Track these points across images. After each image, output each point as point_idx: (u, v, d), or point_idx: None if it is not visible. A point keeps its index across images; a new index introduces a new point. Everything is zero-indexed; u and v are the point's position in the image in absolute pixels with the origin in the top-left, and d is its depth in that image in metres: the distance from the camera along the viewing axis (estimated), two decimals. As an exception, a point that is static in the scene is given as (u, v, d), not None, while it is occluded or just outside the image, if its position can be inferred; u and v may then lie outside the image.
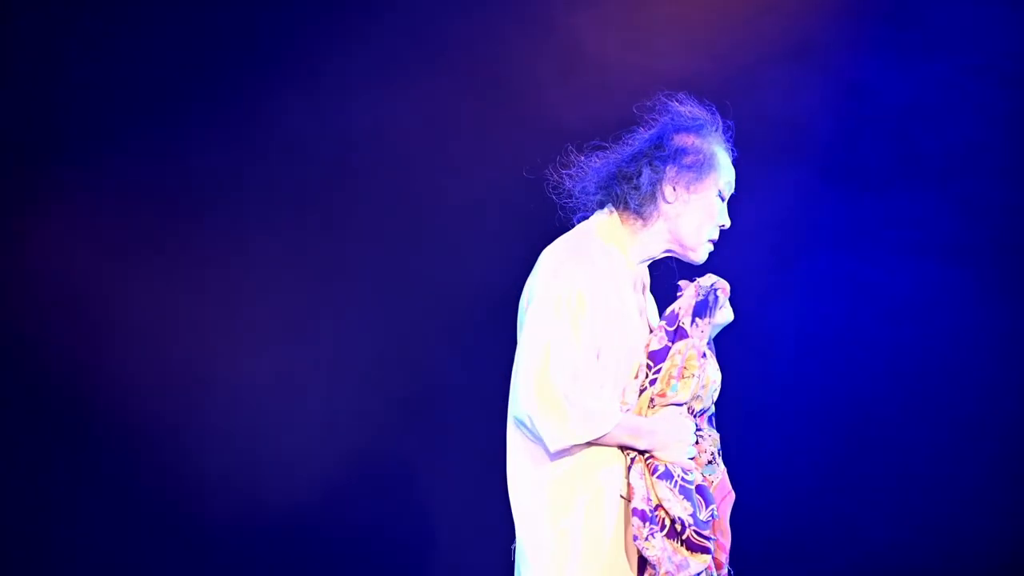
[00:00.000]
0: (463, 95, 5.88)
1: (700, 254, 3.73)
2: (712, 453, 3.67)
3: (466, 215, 5.87)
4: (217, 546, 5.76)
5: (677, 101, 3.76)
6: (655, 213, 3.68)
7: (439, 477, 5.86)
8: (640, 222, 3.69)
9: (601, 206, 3.73)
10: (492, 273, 5.68)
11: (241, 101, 5.80)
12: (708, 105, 3.77)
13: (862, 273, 5.94)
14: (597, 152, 3.77)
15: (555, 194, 3.77)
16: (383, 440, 5.86)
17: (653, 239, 3.70)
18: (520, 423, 3.55)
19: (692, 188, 3.68)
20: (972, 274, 5.90)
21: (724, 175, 3.72)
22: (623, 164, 3.69)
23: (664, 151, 3.67)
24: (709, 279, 3.70)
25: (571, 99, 5.80)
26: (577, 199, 3.77)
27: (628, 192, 3.67)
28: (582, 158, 3.77)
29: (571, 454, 3.55)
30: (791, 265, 5.86)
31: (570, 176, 3.76)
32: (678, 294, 3.70)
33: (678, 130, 3.71)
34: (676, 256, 3.76)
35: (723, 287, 3.69)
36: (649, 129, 3.75)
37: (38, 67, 5.74)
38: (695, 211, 3.69)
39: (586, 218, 3.75)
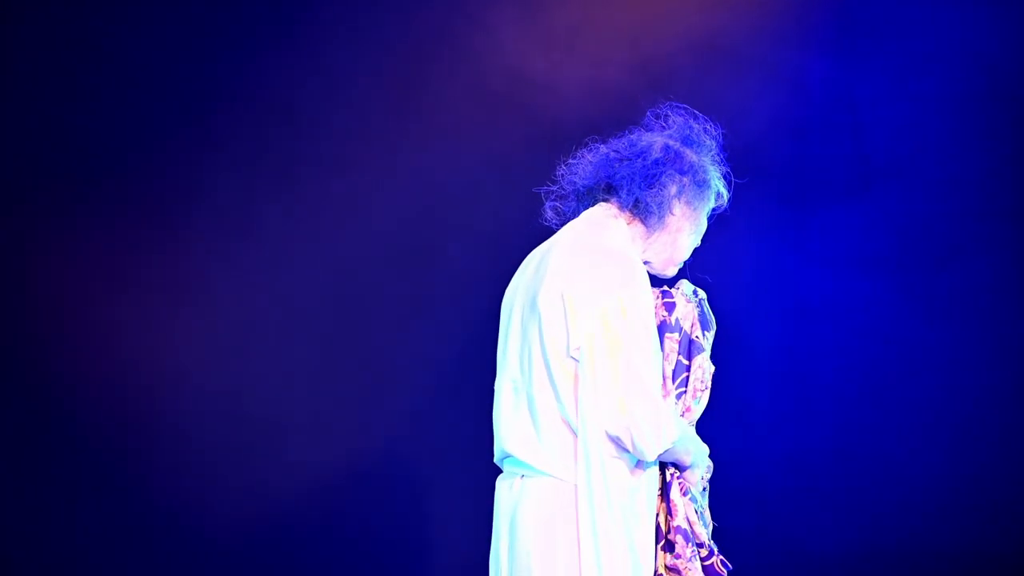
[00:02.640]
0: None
1: (675, 270, 3.71)
2: (707, 481, 3.62)
3: (459, 214, 5.87)
4: (216, 546, 5.77)
5: (691, 115, 3.71)
6: (665, 223, 3.63)
7: (437, 478, 5.86)
8: (645, 230, 3.63)
9: (592, 203, 3.66)
10: (490, 270, 5.68)
11: (231, 102, 5.81)
12: (714, 124, 3.74)
13: (792, 277, 5.91)
14: (592, 146, 3.71)
15: (552, 181, 3.71)
16: (381, 441, 5.87)
17: (647, 247, 3.66)
18: (614, 439, 3.41)
19: (695, 205, 3.66)
20: (907, 282, 5.89)
21: (718, 198, 3.71)
22: (644, 169, 3.60)
23: (682, 164, 3.62)
24: (688, 286, 3.64)
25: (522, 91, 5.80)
26: (562, 188, 3.70)
27: (653, 199, 3.59)
28: (582, 150, 3.71)
29: (645, 470, 3.47)
30: (725, 268, 5.83)
31: (573, 165, 3.70)
32: (665, 300, 3.60)
33: (690, 144, 3.67)
34: (648, 267, 3.67)
35: (703, 295, 3.65)
36: (647, 133, 3.68)
37: (38, 68, 5.76)
38: (692, 228, 3.68)
39: (559, 208, 3.69)
